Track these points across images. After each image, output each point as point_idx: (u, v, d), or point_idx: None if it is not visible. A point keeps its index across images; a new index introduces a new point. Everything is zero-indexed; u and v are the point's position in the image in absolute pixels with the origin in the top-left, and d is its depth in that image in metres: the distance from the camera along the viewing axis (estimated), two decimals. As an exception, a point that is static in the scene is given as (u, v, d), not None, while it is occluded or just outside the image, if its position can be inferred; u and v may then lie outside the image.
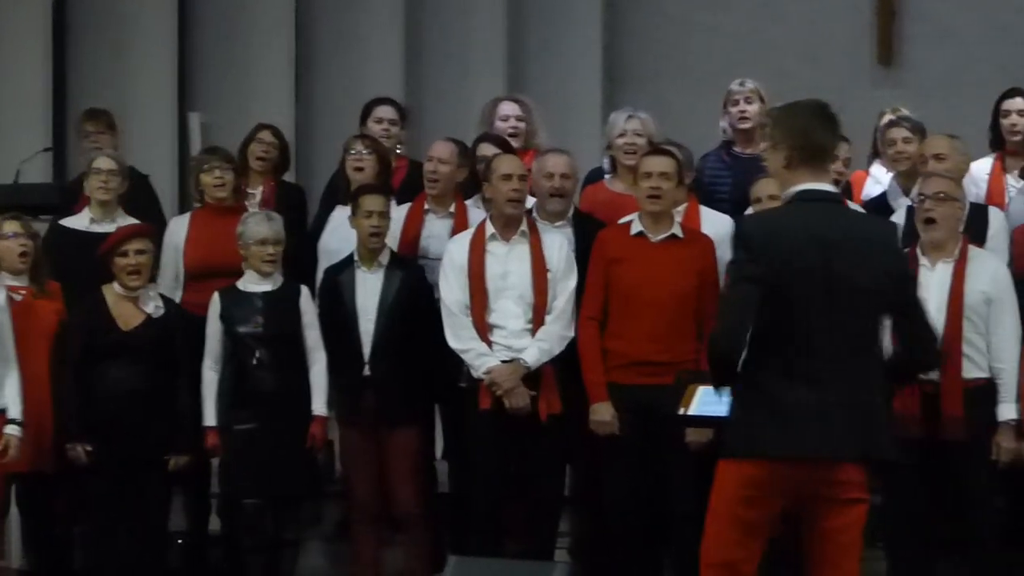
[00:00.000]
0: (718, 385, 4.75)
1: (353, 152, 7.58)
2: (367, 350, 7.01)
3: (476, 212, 7.36)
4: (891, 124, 7.96)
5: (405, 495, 7.05)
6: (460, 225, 7.29)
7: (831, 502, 4.66)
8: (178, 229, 7.57)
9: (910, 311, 4.78)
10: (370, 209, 7.05)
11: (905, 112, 8.21)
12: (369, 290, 7.06)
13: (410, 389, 7.01)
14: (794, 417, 4.59)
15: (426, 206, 7.41)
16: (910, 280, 4.96)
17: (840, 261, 4.61)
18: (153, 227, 7.38)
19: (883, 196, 7.70)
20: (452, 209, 7.39)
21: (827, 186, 4.73)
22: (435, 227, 7.39)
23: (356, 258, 7.12)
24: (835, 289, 4.61)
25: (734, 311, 4.61)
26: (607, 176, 7.76)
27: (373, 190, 7.17)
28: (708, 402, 5.61)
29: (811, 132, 4.70)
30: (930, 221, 6.71)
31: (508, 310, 6.91)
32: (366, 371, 7.01)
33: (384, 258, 7.11)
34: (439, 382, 7.06)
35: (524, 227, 6.99)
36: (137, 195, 7.77)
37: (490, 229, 6.98)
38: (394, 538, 7.24)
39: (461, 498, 7.19)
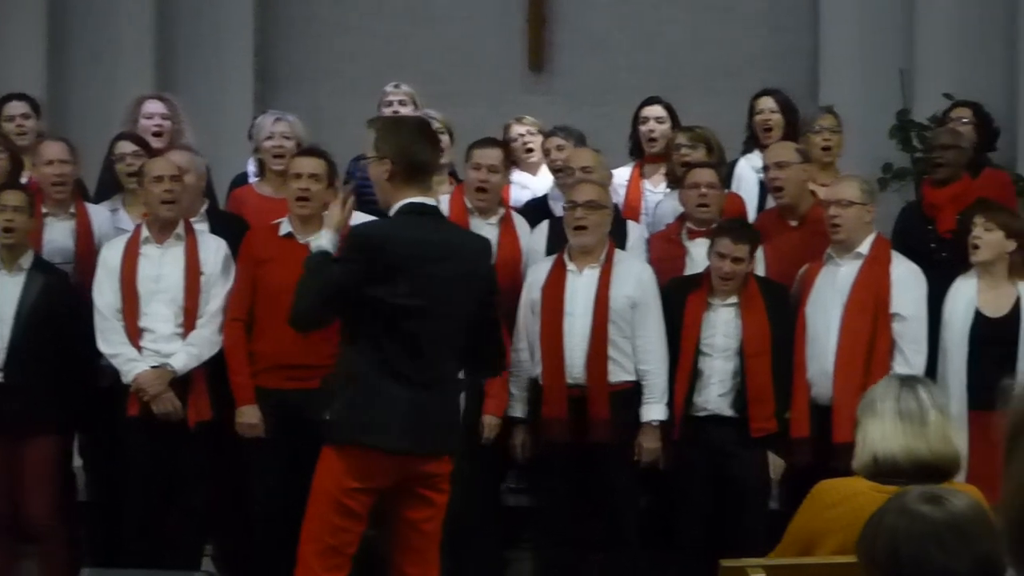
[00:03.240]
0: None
1: (-16, 152, 7.28)
2: (1, 357, 6.73)
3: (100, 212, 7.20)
4: (549, 133, 8.04)
5: (39, 506, 6.79)
6: (82, 226, 7.09)
7: (417, 495, 5.18)
8: None
9: (489, 322, 5.32)
10: (4, 204, 6.77)
11: (531, 119, 8.32)
12: (8, 295, 6.78)
13: (47, 397, 6.74)
14: (395, 413, 5.05)
15: (44, 209, 7.15)
16: (495, 293, 5.44)
17: (439, 270, 5.08)
18: None
19: (544, 199, 7.77)
20: (72, 210, 7.17)
21: (429, 200, 5.20)
22: (55, 230, 7.15)
23: (-1, 260, 6.84)
24: (434, 296, 5.06)
25: (319, 293, 5.12)
26: (254, 179, 7.66)
27: (5, 188, 6.89)
28: None
29: (414, 150, 5.16)
30: (580, 228, 6.80)
31: (159, 314, 6.75)
32: (0, 378, 6.73)
33: (26, 262, 6.83)
34: (82, 389, 6.81)
35: (180, 230, 6.84)
36: None
37: (145, 232, 6.82)
38: (28, 550, 6.95)
39: (102, 507, 7.02)
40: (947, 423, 4.23)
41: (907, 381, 4.33)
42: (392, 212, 5.20)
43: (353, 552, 5.18)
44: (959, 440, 4.31)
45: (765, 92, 8.20)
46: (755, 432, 6.68)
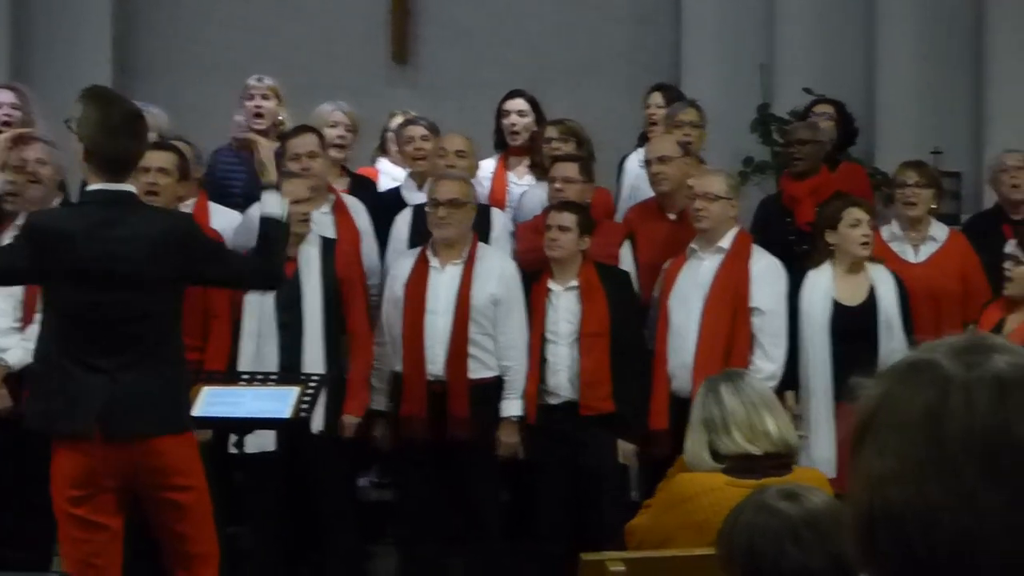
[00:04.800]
0: None
1: None
2: None
3: None
4: (408, 122, 8.02)
5: None
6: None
7: (156, 495, 4.97)
8: None
9: (226, 271, 5.21)
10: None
11: (414, 114, 8.30)
12: None
13: None
14: (83, 398, 4.87)
15: None
16: (213, 253, 5.21)
17: (124, 256, 4.90)
18: None
19: (397, 191, 7.76)
20: None
21: (117, 186, 4.98)
22: None
23: None
24: (120, 282, 4.89)
25: None
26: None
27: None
28: (213, 403, 5.60)
29: (112, 136, 4.95)
30: (443, 224, 6.79)
31: (-3, 308, 6.62)
32: None
33: None
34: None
35: (21, 221, 6.67)
36: None
37: (-8, 227, 6.68)
38: None
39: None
40: (761, 413, 4.29)
41: (713, 385, 4.39)
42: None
43: (108, 562, 4.99)
44: (783, 424, 4.37)
45: (657, 87, 8.27)
46: (584, 411, 6.73)
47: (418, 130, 7.84)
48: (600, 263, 6.94)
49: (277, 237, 5.28)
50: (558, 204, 6.94)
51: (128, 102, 5.22)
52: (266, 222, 5.30)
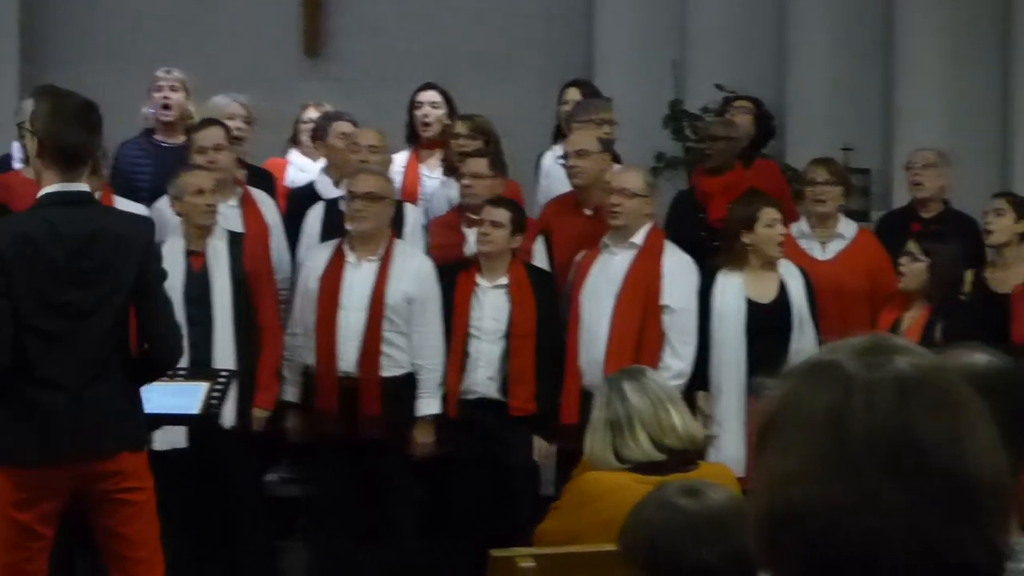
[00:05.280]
0: None
1: None
2: None
3: None
4: (333, 117, 7.95)
5: None
6: None
7: (105, 498, 4.86)
8: None
9: (155, 310, 4.96)
10: None
11: (328, 107, 8.24)
12: None
13: None
14: (47, 422, 4.73)
15: None
16: (158, 279, 5.05)
17: (88, 262, 4.77)
18: None
19: (311, 185, 7.71)
20: None
21: (75, 186, 4.82)
22: None
23: None
24: (86, 291, 4.76)
25: None
26: (19, 164, 7.42)
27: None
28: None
29: (65, 133, 4.79)
30: (359, 218, 6.75)
31: None
32: None
33: None
34: None
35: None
36: None
37: None
38: None
39: None
40: (667, 409, 4.30)
41: (616, 383, 4.40)
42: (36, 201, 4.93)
43: (35, 569, 4.89)
44: (688, 420, 4.39)
45: (573, 83, 8.26)
46: (513, 411, 6.73)
47: (343, 126, 7.76)
48: (528, 264, 6.94)
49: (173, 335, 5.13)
50: (494, 200, 6.92)
51: (80, 96, 5.07)
52: None
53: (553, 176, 7.89)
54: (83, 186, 4.88)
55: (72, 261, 4.76)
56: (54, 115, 4.83)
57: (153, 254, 5.05)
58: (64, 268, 4.75)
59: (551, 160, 7.97)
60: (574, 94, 8.12)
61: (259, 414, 6.75)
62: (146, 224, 5.22)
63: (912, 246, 6.89)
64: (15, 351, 4.74)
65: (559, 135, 8.07)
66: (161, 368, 5.10)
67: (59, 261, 4.75)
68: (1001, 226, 7.25)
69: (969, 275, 7.26)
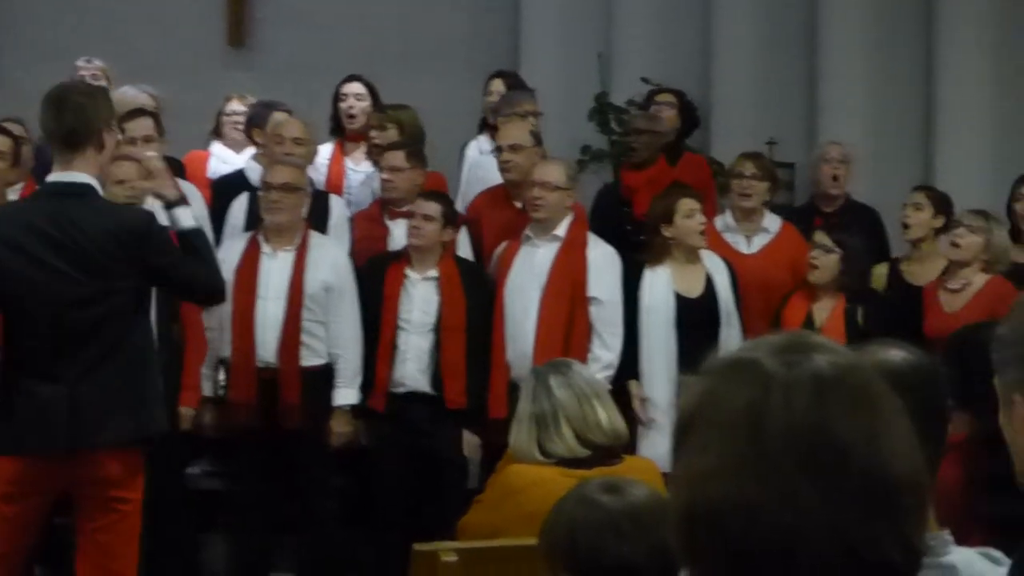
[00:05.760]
0: None
1: None
2: None
3: None
4: (270, 106, 7.89)
5: None
6: None
7: (93, 501, 4.84)
8: None
9: (181, 280, 5.02)
10: None
11: (252, 99, 8.18)
12: None
13: None
14: (44, 413, 4.71)
15: None
16: (171, 263, 5.00)
17: (72, 254, 4.74)
18: None
19: (240, 173, 7.65)
20: None
21: (70, 176, 4.78)
22: None
23: None
24: (74, 285, 4.72)
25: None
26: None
27: None
28: None
29: (44, 119, 4.83)
30: (274, 209, 6.72)
31: None
32: None
33: None
34: None
35: None
36: None
37: None
38: None
39: None
40: (593, 404, 4.31)
41: (541, 377, 4.40)
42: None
43: (19, 562, 4.93)
44: (613, 415, 4.40)
45: (498, 74, 8.25)
46: (449, 404, 6.73)
47: (283, 116, 7.69)
48: (458, 256, 6.93)
49: (204, 246, 5.11)
50: (425, 193, 6.90)
51: (81, 82, 5.01)
52: (186, 237, 5.09)
53: (478, 166, 7.88)
54: (82, 176, 4.81)
55: (66, 252, 4.73)
56: (46, 102, 4.85)
57: (156, 236, 4.96)
58: (58, 260, 4.72)
59: (475, 150, 7.97)
60: (499, 85, 8.11)
61: (185, 413, 6.68)
62: (143, 212, 5.19)
63: (822, 238, 6.94)
64: (11, 343, 4.74)
65: (484, 126, 8.06)
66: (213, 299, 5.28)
67: (54, 253, 4.72)
68: (919, 220, 7.32)
69: (884, 268, 7.33)
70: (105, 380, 4.79)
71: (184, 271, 4.98)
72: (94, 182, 4.88)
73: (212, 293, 5.23)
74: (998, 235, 6.96)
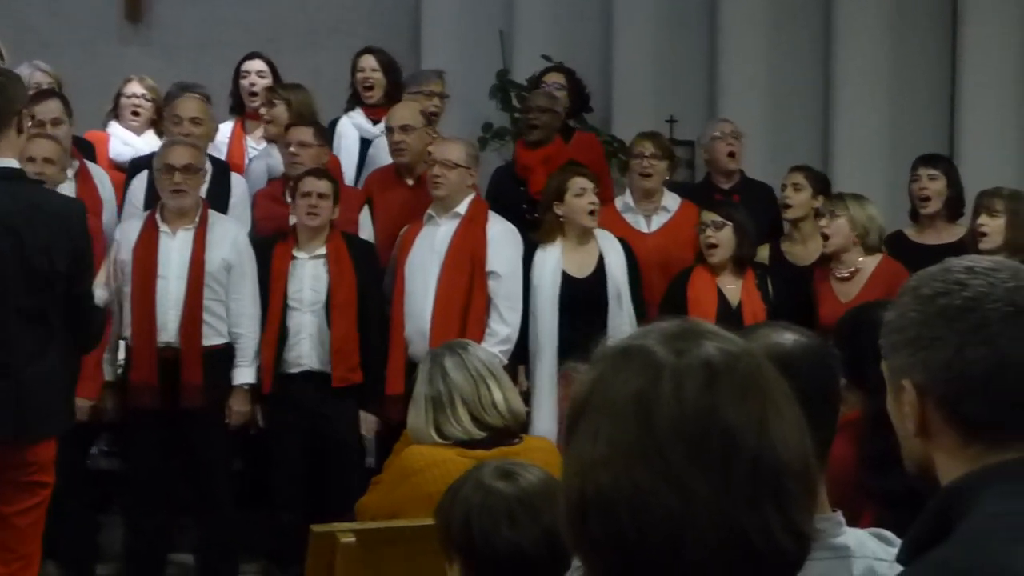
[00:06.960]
0: None
1: None
2: None
3: None
4: (184, 87, 7.78)
5: None
6: None
7: (15, 485, 4.86)
8: None
9: (84, 295, 5.00)
10: None
11: (151, 81, 8.04)
12: None
13: None
14: None
15: None
16: (89, 264, 5.06)
17: (22, 241, 4.73)
18: None
19: (149, 156, 7.54)
20: None
21: (9, 162, 4.77)
22: None
23: None
24: (20, 270, 4.73)
25: None
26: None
27: None
28: None
29: None
30: (182, 193, 6.64)
31: None
32: None
33: None
34: None
35: None
36: None
37: None
38: None
39: None
40: (489, 385, 4.31)
41: (437, 358, 4.40)
42: None
43: None
44: (510, 395, 4.40)
45: (367, 50, 8.18)
46: (336, 382, 6.70)
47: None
48: (346, 233, 6.90)
49: (100, 321, 5.26)
50: (314, 171, 6.86)
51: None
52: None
53: (348, 137, 7.82)
54: (11, 161, 4.80)
55: (9, 238, 4.70)
56: None
57: (86, 232, 5.00)
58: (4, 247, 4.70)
59: (347, 125, 7.89)
60: (369, 61, 8.03)
61: (83, 404, 6.57)
62: (78, 203, 5.22)
63: (711, 216, 6.93)
64: None
65: (356, 102, 7.98)
66: (83, 352, 5.27)
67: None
68: (799, 200, 7.36)
69: (765, 249, 7.34)
70: (48, 368, 4.82)
71: (87, 283, 5.06)
72: (18, 165, 4.90)
73: (90, 341, 5.30)
74: (858, 211, 6.91)
